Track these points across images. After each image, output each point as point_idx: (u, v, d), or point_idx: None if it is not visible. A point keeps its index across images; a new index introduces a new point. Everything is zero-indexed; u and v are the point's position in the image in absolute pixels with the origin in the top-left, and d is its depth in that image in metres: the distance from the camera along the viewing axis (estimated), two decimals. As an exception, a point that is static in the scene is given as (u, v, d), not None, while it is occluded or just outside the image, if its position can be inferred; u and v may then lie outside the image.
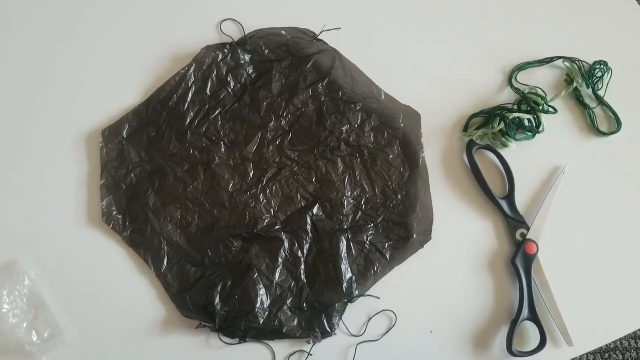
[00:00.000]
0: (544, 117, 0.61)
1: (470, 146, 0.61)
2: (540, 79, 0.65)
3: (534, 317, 0.57)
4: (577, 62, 0.64)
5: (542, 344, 0.57)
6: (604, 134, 0.64)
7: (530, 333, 0.58)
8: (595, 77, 0.64)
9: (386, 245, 0.59)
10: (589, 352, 1.00)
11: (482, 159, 0.62)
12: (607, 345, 1.01)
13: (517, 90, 0.63)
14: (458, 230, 0.60)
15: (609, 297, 0.60)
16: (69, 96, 0.62)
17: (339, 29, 0.64)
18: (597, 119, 0.64)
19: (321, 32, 0.63)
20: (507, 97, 0.64)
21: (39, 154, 0.60)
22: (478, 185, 0.61)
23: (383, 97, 0.63)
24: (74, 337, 0.56)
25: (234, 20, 0.64)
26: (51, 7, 0.64)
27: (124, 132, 0.60)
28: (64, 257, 0.58)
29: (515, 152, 0.62)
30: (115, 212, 0.59)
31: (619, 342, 1.01)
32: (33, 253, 0.58)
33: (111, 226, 0.58)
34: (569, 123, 0.64)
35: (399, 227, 0.59)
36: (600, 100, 0.64)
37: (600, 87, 0.64)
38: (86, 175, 0.60)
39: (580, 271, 0.60)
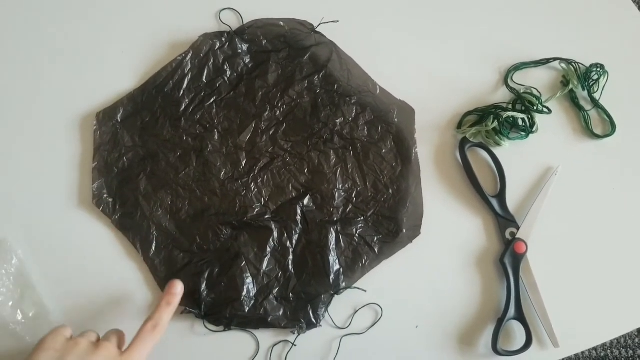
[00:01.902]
0: (538, 117, 0.61)
1: (463, 143, 0.61)
2: (536, 80, 0.65)
3: (520, 317, 0.57)
4: (573, 63, 0.64)
5: (527, 344, 0.57)
6: (598, 137, 0.63)
7: (516, 332, 0.58)
8: (591, 80, 0.64)
9: (375, 239, 0.59)
10: (579, 358, 1.00)
11: (474, 156, 0.62)
12: (597, 354, 1.01)
13: (512, 89, 0.63)
14: (447, 226, 0.60)
15: (597, 300, 0.60)
16: (65, 79, 0.62)
17: (337, 21, 0.64)
18: (592, 122, 0.64)
19: (319, 25, 0.64)
20: (502, 96, 0.64)
21: (32, 134, 0.60)
22: (469, 183, 0.61)
23: (378, 91, 0.63)
24: (59, 318, 0.56)
25: (233, 9, 0.65)
26: (51, -11, 0.65)
27: (119, 116, 0.60)
28: (52, 237, 0.58)
29: (508, 151, 0.62)
30: (105, 195, 0.59)
31: (609, 351, 1.01)
32: (22, 232, 0.58)
33: (101, 209, 0.58)
34: (563, 124, 0.64)
35: (389, 221, 0.59)
36: (596, 103, 0.64)
37: (595, 89, 0.64)
38: (79, 157, 0.60)
39: (569, 272, 0.60)
